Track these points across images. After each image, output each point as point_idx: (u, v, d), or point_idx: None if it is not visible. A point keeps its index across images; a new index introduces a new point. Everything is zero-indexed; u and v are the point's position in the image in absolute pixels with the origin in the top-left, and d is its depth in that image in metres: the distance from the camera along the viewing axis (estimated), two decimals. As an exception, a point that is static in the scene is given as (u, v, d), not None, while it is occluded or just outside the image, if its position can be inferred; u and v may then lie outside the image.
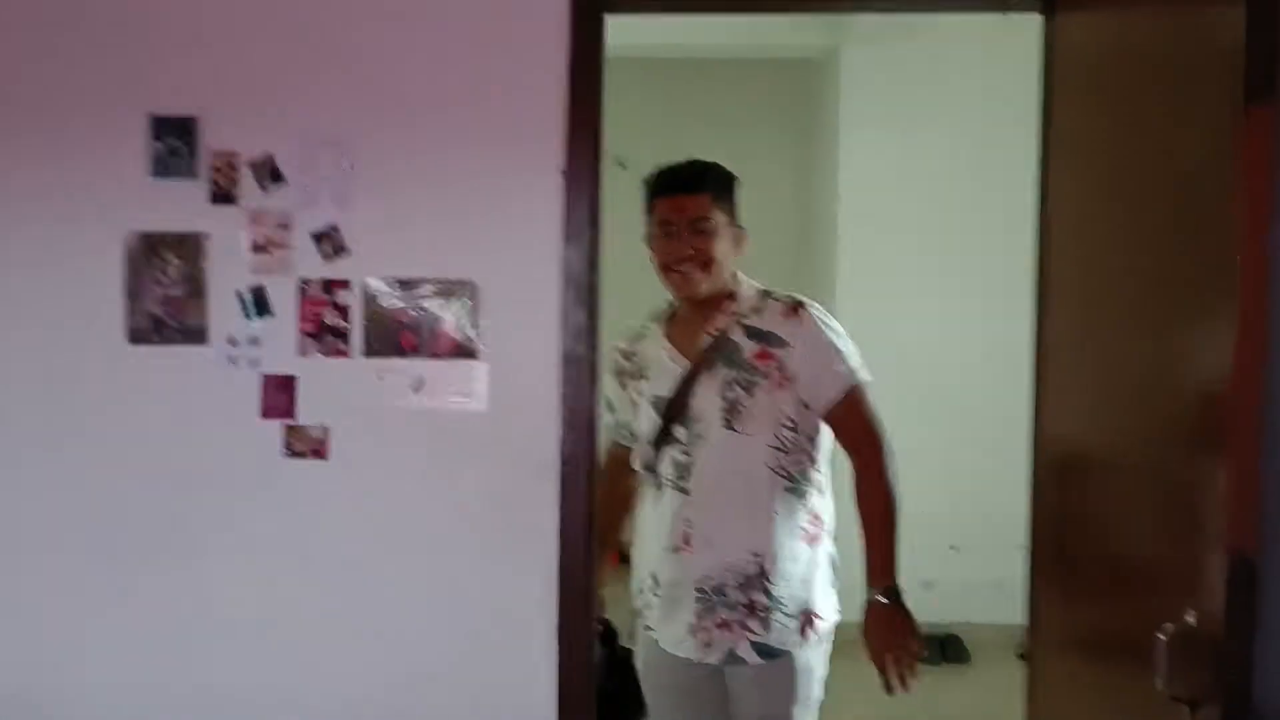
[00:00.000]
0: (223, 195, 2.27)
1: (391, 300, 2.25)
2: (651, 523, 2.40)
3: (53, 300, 2.31)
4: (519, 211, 2.29)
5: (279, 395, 2.27)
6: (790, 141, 5.81)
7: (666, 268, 2.31)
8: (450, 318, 2.26)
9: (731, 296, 2.33)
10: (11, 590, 2.38)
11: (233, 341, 2.27)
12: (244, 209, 2.29)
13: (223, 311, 2.30)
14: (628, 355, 2.49)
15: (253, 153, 2.29)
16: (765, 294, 2.33)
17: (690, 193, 2.29)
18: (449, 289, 2.26)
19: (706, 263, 2.27)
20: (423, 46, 2.28)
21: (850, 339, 2.33)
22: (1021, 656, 2.45)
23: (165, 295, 2.26)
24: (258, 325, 2.30)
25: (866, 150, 4.87)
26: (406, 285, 2.25)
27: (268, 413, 2.30)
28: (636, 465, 2.42)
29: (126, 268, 2.27)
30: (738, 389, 2.25)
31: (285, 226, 2.25)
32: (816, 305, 2.30)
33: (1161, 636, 1.43)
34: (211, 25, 2.29)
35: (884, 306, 4.69)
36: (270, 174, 2.25)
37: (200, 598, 2.35)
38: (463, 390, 2.27)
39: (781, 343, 2.26)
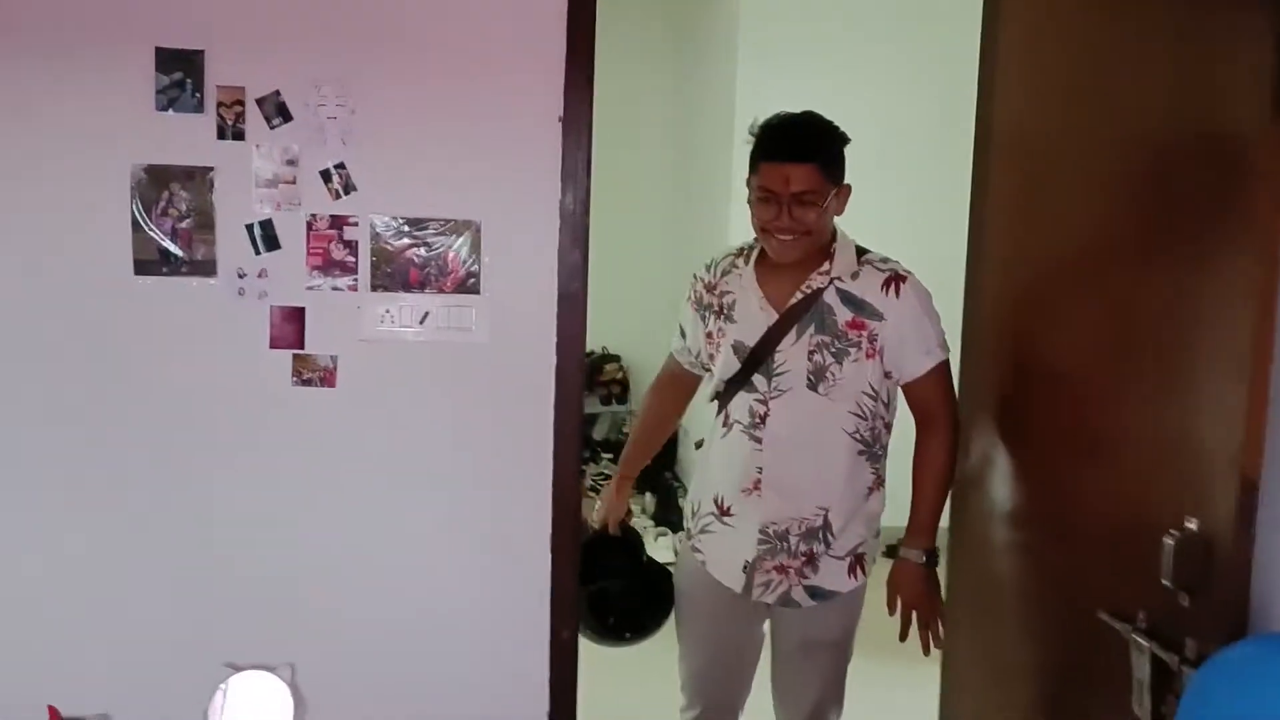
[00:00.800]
0: (230, 131, 2.04)
1: (398, 237, 2.12)
2: (720, 456, 2.24)
3: (60, 232, 2.21)
4: (519, 156, 2.30)
5: (287, 326, 2.11)
6: (678, 66, 5.50)
7: (765, 231, 2.09)
8: (454, 255, 2.11)
9: (829, 254, 2.13)
10: (22, 516, 2.27)
11: (241, 274, 2.12)
12: (252, 144, 2.21)
13: (231, 245, 2.25)
14: (710, 288, 2.28)
15: (260, 89, 2.21)
16: (863, 254, 2.16)
17: (798, 161, 2.02)
18: (454, 228, 2.14)
19: (806, 230, 2.05)
20: None
21: (938, 311, 2.19)
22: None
23: (174, 228, 2.05)
24: (266, 258, 2.25)
25: (767, 84, 4.44)
26: (413, 223, 2.11)
27: (276, 343, 2.22)
28: (706, 395, 2.31)
29: (134, 200, 1.99)
30: (827, 354, 2.09)
31: (293, 163, 2.12)
32: (915, 277, 2.15)
33: (1169, 540, 1.42)
34: None
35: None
36: (278, 110, 2.11)
37: (210, 523, 2.31)
38: (465, 323, 2.19)
39: (877, 315, 2.09)
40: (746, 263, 2.22)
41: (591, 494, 5.30)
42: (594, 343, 5.55)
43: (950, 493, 2.25)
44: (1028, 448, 2.11)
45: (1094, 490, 1.84)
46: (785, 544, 2.16)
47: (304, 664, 2.29)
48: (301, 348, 2.23)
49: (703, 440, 2.38)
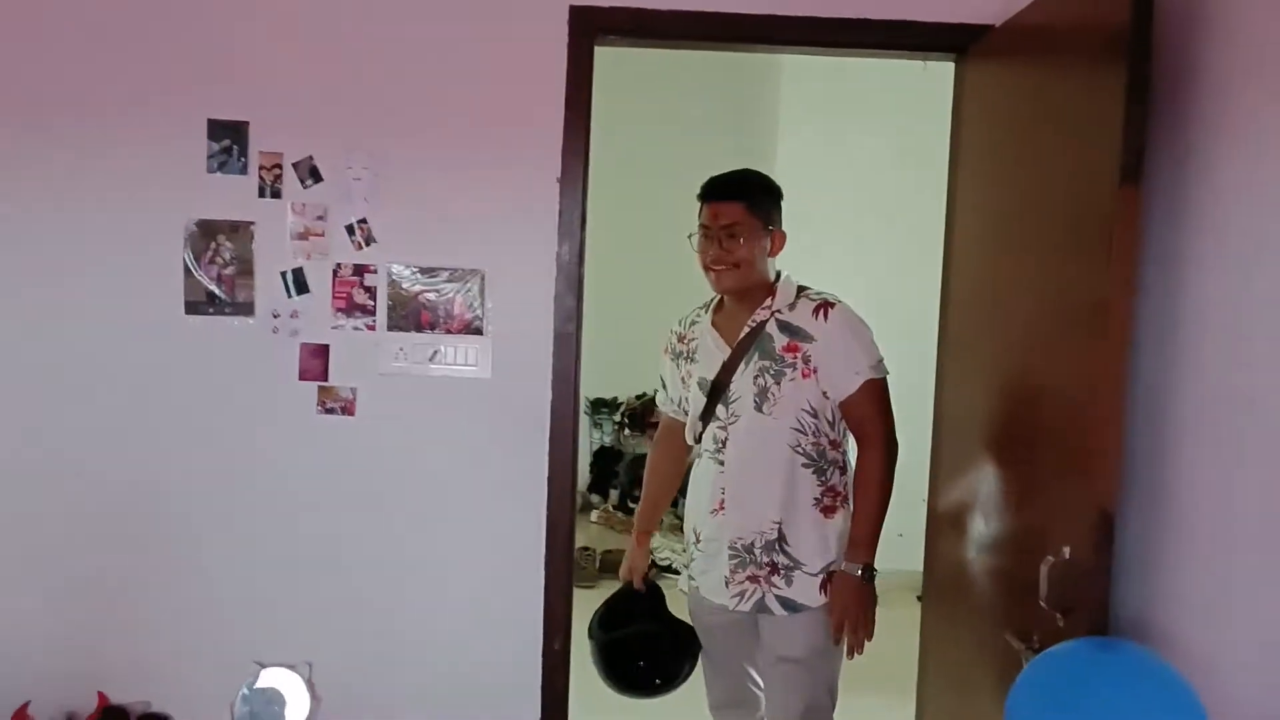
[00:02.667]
0: (269, 190, 2.41)
1: (412, 283, 2.46)
2: (693, 486, 2.54)
3: (122, 276, 2.64)
4: (521, 212, 2.66)
5: (314, 361, 2.47)
6: (729, 134, 5.86)
7: (705, 266, 2.40)
8: (462, 299, 2.45)
9: (771, 292, 2.41)
10: (77, 533, 2.68)
11: (276, 314, 2.47)
12: (287, 202, 2.58)
13: (268, 289, 2.65)
14: (681, 338, 2.57)
15: (296, 155, 2.58)
16: (802, 291, 2.42)
17: (726, 200, 2.37)
18: (461, 275, 2.49)
19: (736, 264, 2.35)
20: (444, 70, 2.62)
21: (872, 339, 2.40)
22: (920, 599, 2.70)
23: (219, 274, 2.44)
24: (297, 301, 2.62)
25: (802, 148, 4.95)
26: (425, 271, 2.46)
27: (304, 375, 2.55)
28: (689, 438, 2.56)
29: (185, 249, 2.40)
30: (768, 377, 2.35)
31: (322, 218, 2.47)
32: (845, 304, 2.40)
33: (1044, 567, 1.67)
34: (264, 42, 2.61)
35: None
36: (310, 173, 2.47)
37: (244, 535, 2.69)
38: (471, 360, 2.48)
39: (808, 337, 2.34)
40: (706, 311, 2.54)
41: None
42: (646, 385, 5.88)
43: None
44: (974, 486, 2.37)
45: (1008, 523, 2.11)
46: (752, 556, 2.37)
47: (321, 664, 2.65)
48: (326, 380, 2.61)
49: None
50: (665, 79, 5.54)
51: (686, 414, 2.56)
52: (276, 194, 2.57)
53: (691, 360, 2.50)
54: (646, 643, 2.57)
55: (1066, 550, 1.73)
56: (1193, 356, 1.74)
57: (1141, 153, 1.64)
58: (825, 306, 2.36)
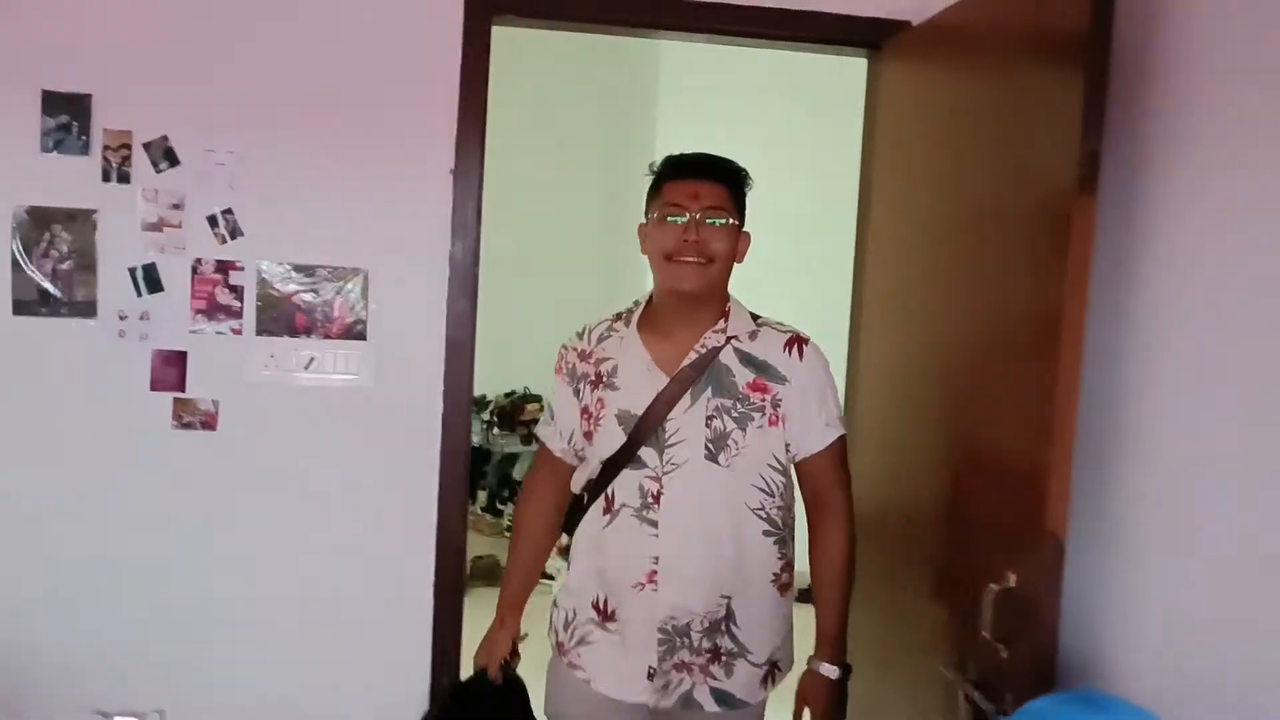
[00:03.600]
0: (115, 173, 2.15)
1: (285, 283, 2.24)
2: (601, 550, 2.00)
3: None
4: (410, 206, 2.46)
5: (168, 369, 2.24)
6: (605, 121, 5.74)
7: (669, 257, 1.92)
8: (342, 301, 2.25)
9: (723, 312, 1.99)
10: None
11: (123, 316, 2.24)
12: (137, 188, 2.33)
13: (113, 287, 2.37)
14: (585, 355, 2.06)
15: (148, 134, 2.34)
16: (757, 318, 2.03)
17: (707, 179, 1.94)
18: (342, 274, 2.29)
19: (711, 257, 1.92)
20: (323, 42, 2.39)
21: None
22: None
23: (55, 269, 2.17)
24: (149, 301, 2.36)
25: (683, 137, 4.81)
26: (300, 269, 2.24)
27: (157, 385, 2.37)
28: (576, 486, 2.07)
29: (14, 240, 2.11)
30: (727, 419, 1.92)
31: (179, 207, 2.25)
32: (815, 343, 2.02)
33: (986, 595, 1.61)
34: (112, 3, 2.30)
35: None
36: (165, 155, 2.25)
37: (87, 565, 2.39)
38: (351, 368, 2.30)
39: (780, 378, 1.95)
40: (628, 325, 2.04)
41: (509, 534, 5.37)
42: (515, 382, 5.70)
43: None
44: (898, 505, 2.32)
45: (938, 550, 2.06)
46: (686, 640, 1.94)
47: (174, 714, 2.38)
48: (183, 390, 2.33)
49: (568, 541, 2.11)
50: (536, 60, 5.38)
51: (579, 457, 2.06)
52: (124, 178, 2.27)
53: (607, 386, 2.00)
54: None
55: (1012, 577, 1.68)
56: (1142, 371, 1.72)
57: (1097, 160, 1.59)
58: (798, 342, 1.97)
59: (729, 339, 1.96)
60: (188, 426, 2.34)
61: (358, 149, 2.36)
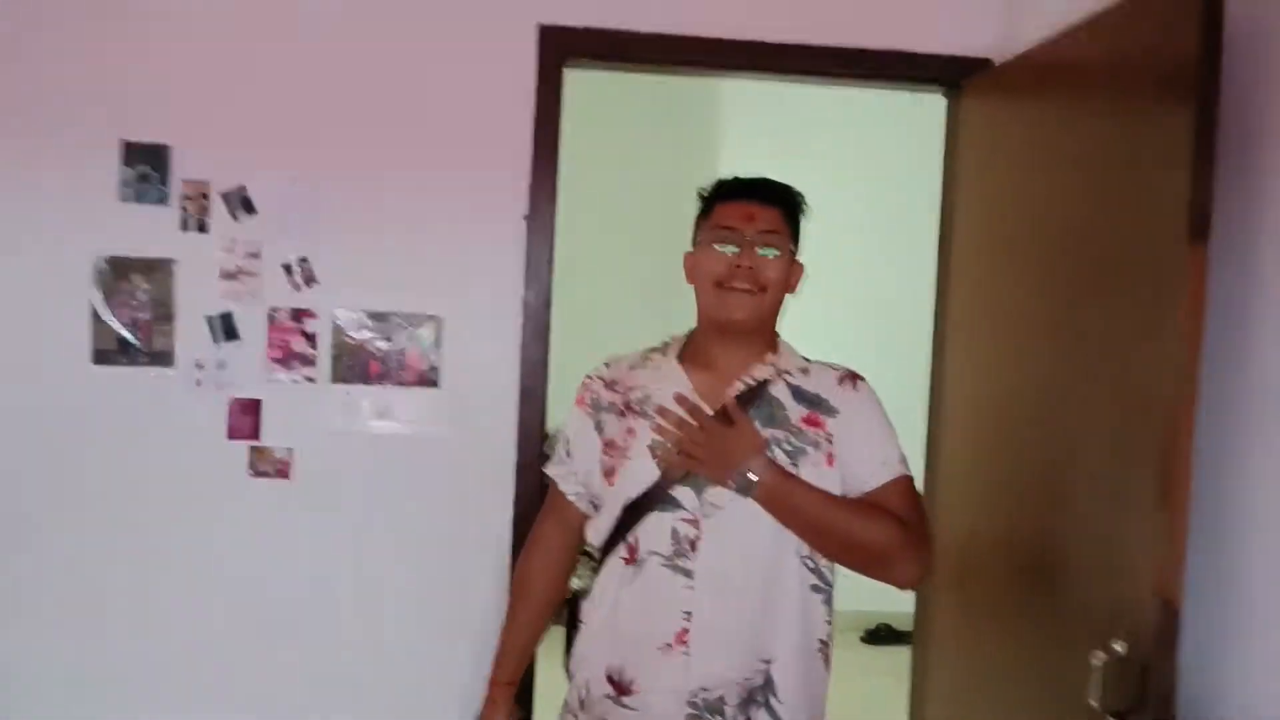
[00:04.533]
0: (193, 223, 2.20)
1: (359, 330, 2.23)
2: (620, 608, 1.78)
3: (20, 319, 2.34)
4: (483, 252, 2.46)
5: (244, 418, 2.25)
6: (669, 162, 5.77)
7: (720, 284, 1.78)
8: (415, 348, 2.23)
9: (773, 347, 1.86)
10: None
11: (200, 365, 2.23)
12: (215, 237, 2.35)
13: (191, 336, 2.39)
14: (612, 385, 1.89)
15: (225, 183, 2.37)
16: (806, 359, 1.88)
17: (761, 202, 1.81)
18: (415, 321, 2.25)
19: (764, 285, 1.77)
20: (397, 91, 2.41)
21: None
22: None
23: (134, 318, 2.20)
24: (225, 349, 2.36)
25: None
26: (375, 317, 2.26)
27: (233, 434, 2.38)
28: (593, 537, 1.86)
29: (95, 290, 2.15)
30: (779, 454, 1.73)
31: (255, 255, 2.25)
32: (869, 383, 1.88)
33: (1096, 662, 1.54)
34: (188, 55, 2.36)
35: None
36: (242, 204, 2.27)
37: (162, 614, 2.40)
38: (425, 416, 2.31)
39: (832, 410, 1.78)
40: (665, 355, 1.89)
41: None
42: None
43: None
44: (988, 556, 2.25)
45: (1037, 609, 1.99)
46: (719, 714, 1.72)
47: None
48: (258, 439, 2.35)
49: (576, 597, 1.91)
50: (601, 102, 5.41)
51: (595, 506, 1.86)
52: (202, 228, 2.31)
53: (639, 415, 1.81)
54: None
55: (1120, 645, 1.61)
56: (1257, 429, 1.65)
57: (1209, 206, 1.54)
58: (853, 377, 1.84)
59: (780, 374, 1.81)
60: (263, 475, 2.35)
61: (432, 196, 2.38)
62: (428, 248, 2.38)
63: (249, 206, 2.32)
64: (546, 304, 2.44)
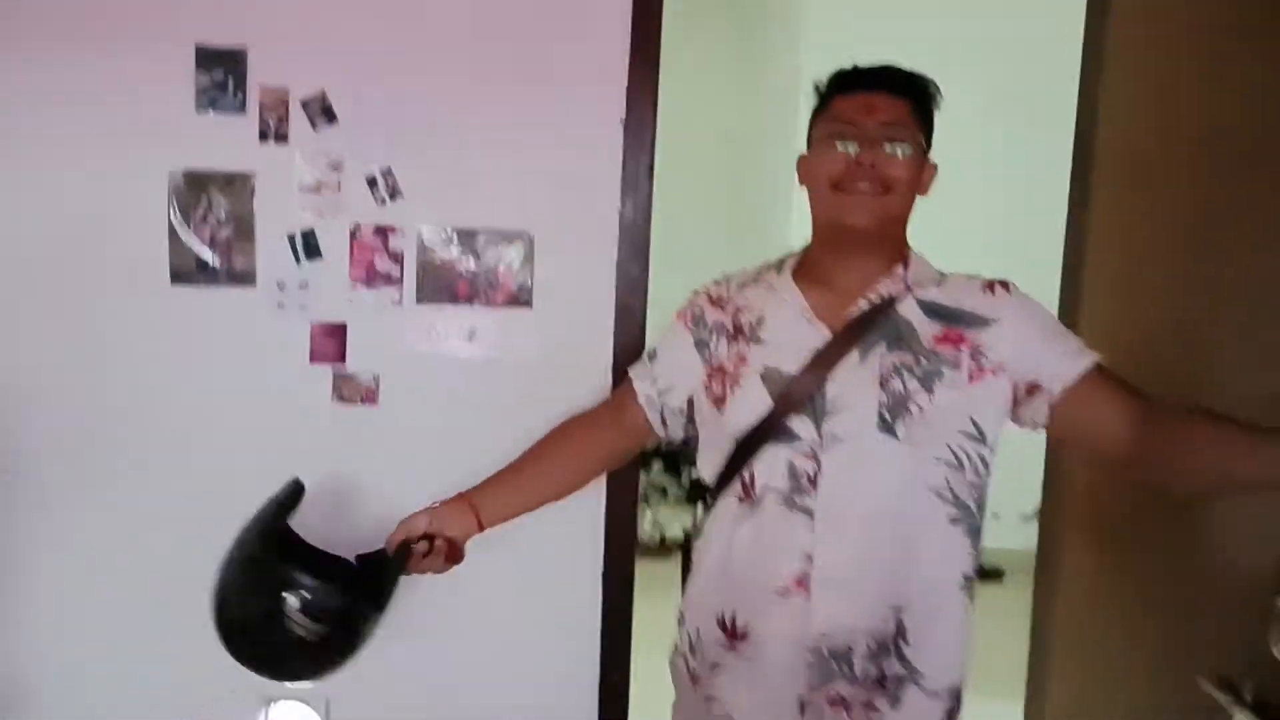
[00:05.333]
0: (273, 134, 2.04)
1: (446, 248, 2.08)
2: (733, 549, 1.68)
3: (96, 236, 2.23)
4: (577, 162, 2.30)
5: (328, 341, 2.14)
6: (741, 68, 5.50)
7: (837, 185, 1.60)
8: (505, 267, 2.10)
9: (903, 259, 1.68)
10: (53, 534, 2.31)
11: (281, 285, 2.13)
12: (295, 149, 2.22)
13: (272, 254, 2.27)
14: (720, 303, 1.77)
15: (305, 90, 2.23)
16: (941, 272, 1.71)
17: (887, 92, 1.61)
18: (505, 237, 2.09)
19: (889, 185, 1.59)
20: None
21: None
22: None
23: (213, 236, 2.08)
24: (308, 269, 2.25)
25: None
26: (462, 234, 2.09)
27: (316, 358, 2.27)
28: (706, 473, 1.75)
29: (172, 206, 2.03)
30: (911, 379, 1.58)
31: (337, 168, 2.07)
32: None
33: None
34: None
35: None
36: (322, 112, 2.09)
37: None
38: (516, 340, 2.14)
39: (981, 321, 1.61)
40: (780, 272, 1.75)
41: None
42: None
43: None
44: (1137, 491, 2.05)
45: (1204, 544, 1.79)
46: (847, 665, 1.61)
47: (339, 701, 2.32)
48: (343, 363, 2.25)
49: (689, 540, 1.84)
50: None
51: (665, 421, 1.83)
52: (282, 138, 2.18)
53: (751, 340, 1.69)
54: (300, 646, 1.77)
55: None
56: None
57: None
58: (1000, 283, 1.66)
59: (909, 288, 1.65)
60: (348, 401, 2.25)
61: (521, 101, 2.21)
62: (518, 158, 2.22)
63: (330, 115, 2.18)
64: (646, 217, 2.26)
